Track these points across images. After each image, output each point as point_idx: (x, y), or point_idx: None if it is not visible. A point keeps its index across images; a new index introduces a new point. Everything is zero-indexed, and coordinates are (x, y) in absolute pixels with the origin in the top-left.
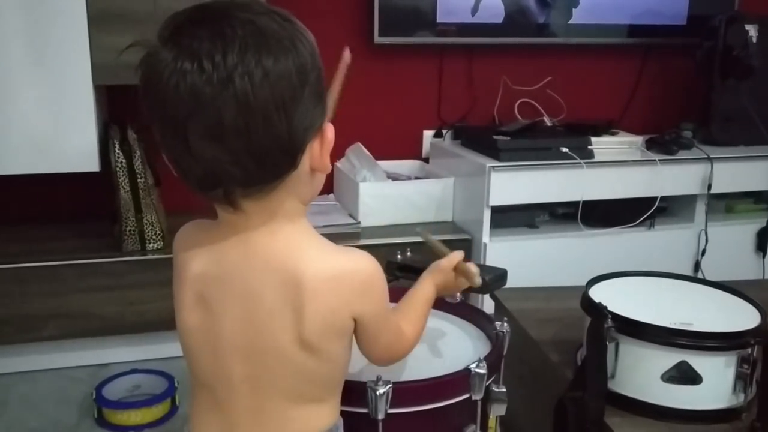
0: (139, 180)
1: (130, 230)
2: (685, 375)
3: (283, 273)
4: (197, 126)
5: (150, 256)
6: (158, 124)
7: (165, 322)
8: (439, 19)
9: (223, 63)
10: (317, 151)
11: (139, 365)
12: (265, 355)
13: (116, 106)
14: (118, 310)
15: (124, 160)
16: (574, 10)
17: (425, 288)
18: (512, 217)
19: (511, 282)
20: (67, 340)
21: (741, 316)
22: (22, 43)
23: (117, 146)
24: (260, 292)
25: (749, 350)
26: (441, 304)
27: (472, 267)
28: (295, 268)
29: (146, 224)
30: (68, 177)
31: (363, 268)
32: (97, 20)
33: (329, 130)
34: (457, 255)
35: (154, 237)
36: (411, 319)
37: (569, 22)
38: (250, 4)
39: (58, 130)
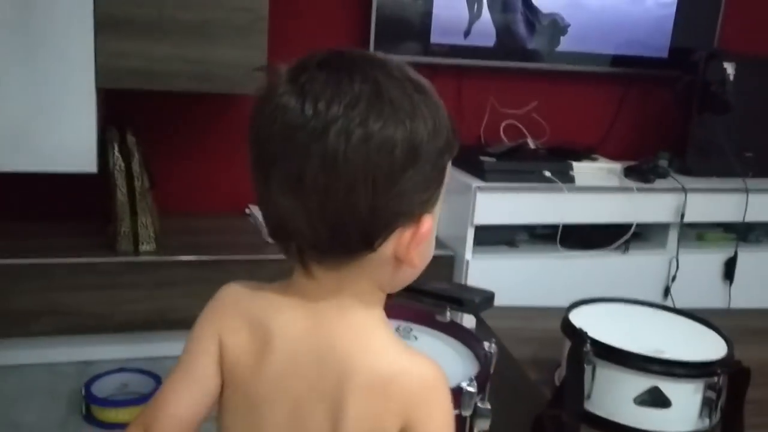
0: (135, 182)
1: (124, 231)
2: (656, 399)
3: (335, 360)
4: (280, 170)
5: (142, 258)
6: (251, 155)
7: (154, 323)
8: (432, 40)
9: (326, 111)
10: (406, 241)
11: (126, 364)
12: None
13: (113, 108)
14: (108, 309)
15: (122, 163)
16: (562, 37)
17: None
18: (493, 235)
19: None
20: (56, 336)
21: (709, 346)
22: (25, 44)
23: (116, 149)
24: (313, 373)
25: (716, 379)
26: (433, 323)
27: None
28: (348, 360)
29: (140, 226)
30: (65, 177)
31: (423, 373)
32: (104, 25)
33: (426, 222)
34: None
35: (147, 239)
36: None
37: (557, 49)
38: (386, 62)
39: (58, 131)
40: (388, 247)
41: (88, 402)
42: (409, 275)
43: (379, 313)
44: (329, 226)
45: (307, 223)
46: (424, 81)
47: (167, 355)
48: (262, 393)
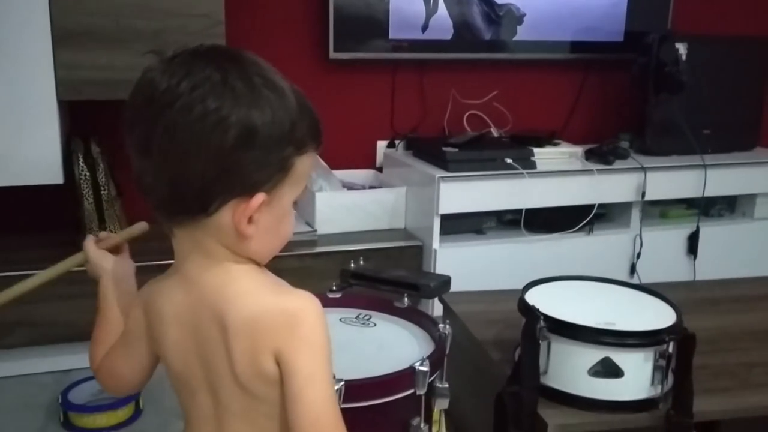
0: (102, 192)
1: None
2: (608, 369)
3: (212, 312)
4: (136, 134)
5: None
6: (125, 121)
7: None
8: (391, 36)
9: (175, 87)
10: (239, 213)
11: None
12: (221, 389)
13: (77, 119)
14: (82, 318)
15: (87, 173)
16: (518, 27)
17: None
18: (461, 224)
19: (460, 285)
20: (32, 347)
21: (659, 316)
22: None
23: (81, 159)
24: (202, 329)
25: (665, 346)
26: (390, 308)
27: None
28: (220, 309)
29: None
30: (32, 189)
31: (290, 307)
32: (61, 37)
33: (256, 199)
34: None
35: None
36: None
37: (514, 39)
38: (245, 60)
39: (22, 144)
40: (225, 215)
41: (66, 409)
42: (264, 247)
43: (239, 267)
44: (169, 186)
45: (153, 181)
46: (282, 83)
47: None
48: (174, 357)
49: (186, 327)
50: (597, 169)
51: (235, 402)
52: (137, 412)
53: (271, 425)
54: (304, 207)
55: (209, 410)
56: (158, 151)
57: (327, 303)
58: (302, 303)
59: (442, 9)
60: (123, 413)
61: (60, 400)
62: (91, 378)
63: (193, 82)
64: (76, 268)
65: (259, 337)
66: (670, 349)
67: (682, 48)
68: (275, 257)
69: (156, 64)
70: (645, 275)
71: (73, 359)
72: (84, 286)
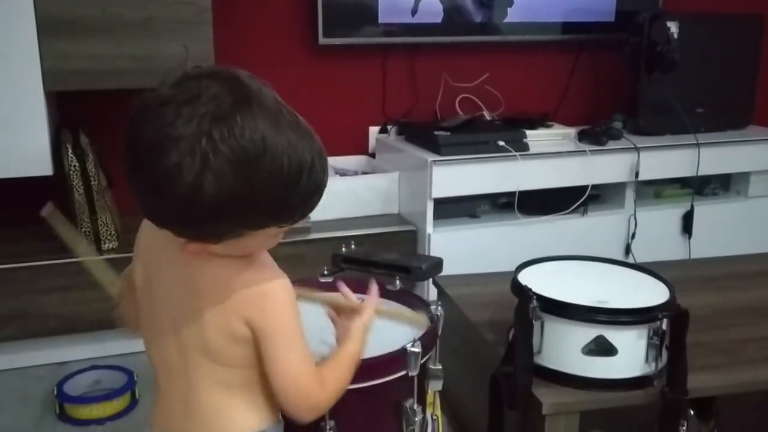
0: (92, 182)
1: (85, 231)
2: (602, 348)
3: (190, 276)
4: (136, 136)
5: (106, 256)
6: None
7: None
8: (380, 20)
9: (174, 123)
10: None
11: (99, 362)
12: (188, 339)
13: (66, 110)
14: (76, 309)
15: (77, 164)
16: (509, 9)
17: (348, 346)
18: (455, 208)
19: (455, 269)
20: (26, 340)
21: (652, 293)
22: None
23: (70, 150)
24: (181, 285)
25: (658, 323)
26: (382, 291)
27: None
28: (196, 273)
29: (101, 225)
30: (22, 181)
31: (264, 281)
32: (47, 28)
33: (186, 246)
34: (368, 312)
35: (109, 237)
36: (334, 369)
37: (505, 21)
38: (259, 97)
39: (10, 136)
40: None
41: (61, 401)
42: (231, 253)
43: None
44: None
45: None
46: (263, 166)
47: (139, 350)
48: (153, 306)
49: (172, 277)
50: (590, 150)
51: (199, 356)
52: (133, 402)
53: (232, 383)
54: None
55: (174, 363)
56: (147, 154)
57: (319, 287)
58: (274, 284)
59: None
60: (119, 404)
61: (56, 393)
62: (86, 369)
63: (194, 107)
64: (64, 260)
65: (231, 299)
66: (664, 326)
67: (673, 27)
68: None
69: (172, 79)
70: (640, 255)
71: (67, 351)
72: (78, 278)
